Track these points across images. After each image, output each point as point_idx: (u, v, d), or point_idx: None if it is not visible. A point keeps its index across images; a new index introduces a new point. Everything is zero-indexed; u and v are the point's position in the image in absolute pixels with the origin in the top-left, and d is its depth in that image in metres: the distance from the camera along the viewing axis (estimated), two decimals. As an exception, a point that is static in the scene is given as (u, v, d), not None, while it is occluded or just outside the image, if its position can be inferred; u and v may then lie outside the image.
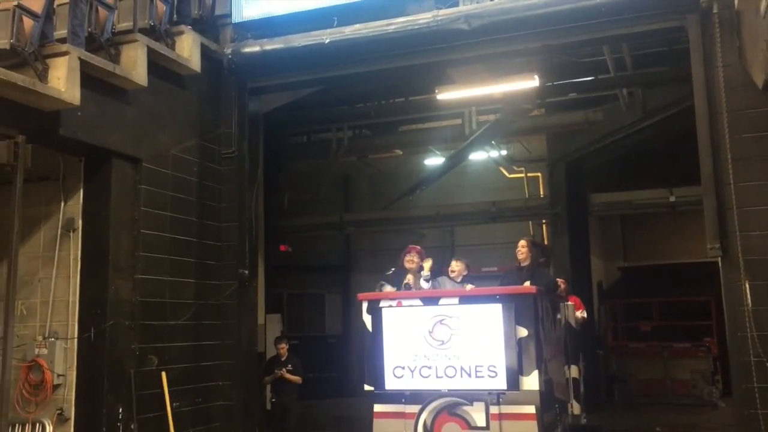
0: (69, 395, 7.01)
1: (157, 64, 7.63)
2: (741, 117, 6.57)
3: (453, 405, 6.53)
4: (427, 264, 7.52)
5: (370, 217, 17.30)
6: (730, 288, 6.61)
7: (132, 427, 7.10)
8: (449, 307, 6.82)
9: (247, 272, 8.49)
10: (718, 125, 6.71)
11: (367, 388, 6.92)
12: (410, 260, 7.54)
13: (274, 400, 9.34)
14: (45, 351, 7.02)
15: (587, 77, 11.61)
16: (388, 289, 7.39)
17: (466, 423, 6.48)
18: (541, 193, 15.92)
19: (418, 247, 7.75)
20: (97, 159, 7.24)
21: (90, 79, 6.69)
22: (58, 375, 6.99)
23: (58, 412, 6.95)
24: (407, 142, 15.44)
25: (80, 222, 7.24)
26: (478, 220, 15.83)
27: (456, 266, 7.71)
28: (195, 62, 8.10)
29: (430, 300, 6.95)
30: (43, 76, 6.27)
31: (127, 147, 7.34)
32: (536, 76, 9.28)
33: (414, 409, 6.64)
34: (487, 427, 6.42)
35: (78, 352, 7.05)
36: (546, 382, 6.61)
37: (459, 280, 7.60)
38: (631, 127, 12.54)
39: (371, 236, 18.92)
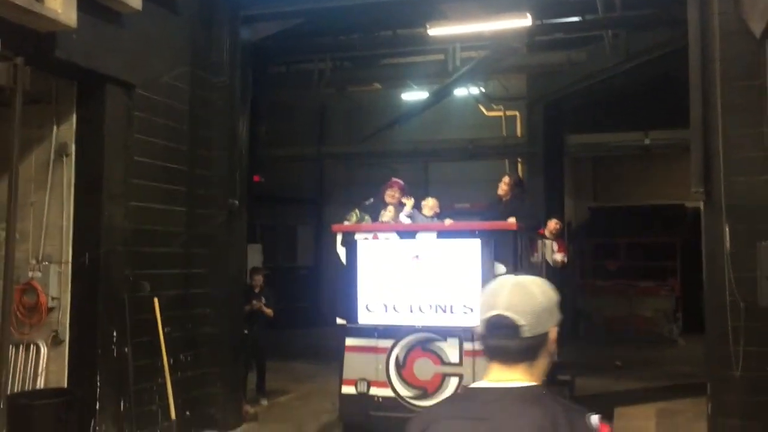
0: (63, 318, 7.06)
1: (150, -12, 7.45)
2: (733, 65, 6.72)
3: (426, 341, 6.53)
4: (410, 202, 7.49)
5: (347, 150, 17.34)
6: (710, 231, 6.88)
7: (126, 350, 7.21)
8: (427, 241, 6.76)
9: (237, 202, 8.53)
10: (710, 72, 6.84)
11: (339, 321, 6.86)
12: (391, 195, 7.48)
13: (246, 331, 9.38)
14: (39, 274, 7.04)
15: (575, 17, 11.62)
16: (367, 219, 7.30)
17: (439, 359, 6.48)
18: (519, 132, 16.08)
19: (401, 182, 7.68)
20: (91, 83, 7.11)
21: (85, 1, 6.52)
22: (53, 298, 7.02)
23: (53, 334, 7.02)
24: (388, 76, 15.38)
25: (73, 147, 7.15)
26: (456, 157, 15.99)
27: (429, 201, 7.69)
28: (188, -13, 7.93)
29: (408, 234, 6.87)
30: (39, -5, 6.09)
31: (121, 72, 7.21)
32: (529, 15, 9.29)
33: (387, 343, 6.61)
34: (460, 363, 6.42)
35: (72, 276, 7.07)
36: None
37: (430, 215, 7.55)
38: (613, 69, 12.68)
39: (345, 169, 18.99)
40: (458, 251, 6.61)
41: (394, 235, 6.87)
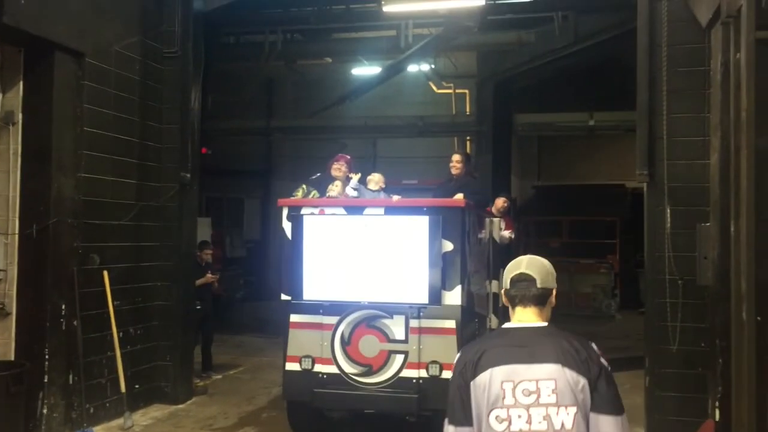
0: (10, 290, 6.93)
1: (100, -46, 7.28)
2: (679, 51, 6.94)
3: (372, 318, 6.41)
4: (356, 176, 7.37)
5: (296, 124, 17.23)
6: (652, 212, 7.15)
7: (75, 323, 7.13)
8: (374, 217, 6.59)
9: (188, 175, 8.46)
10: (656, 58, 7.07)
11: (283, 297, 6.68)
12: (338, 168, 7.33)
13: (198, 306, 9.36)
14: (-14, 245, 6.88)
15: (526, -2, 11.78)
16: (315, 194, 7.14)
17: (385, 336, 6.39)
18: (468, 110, 16.25)
19: (348, 156, 7.58)
20: (39, 51, 6.92)
21: (34, -35, 6.35)
22: (-1, 270, 6.89)
23: (0, 306, 6.90)
24: (339, 51, 15.27)
25: (20, 116, 6.97)
26: (405, 133, 16.07)
27: (374, 176, 7.52)
28: (140, -46, 7.75)
29: (355, 209, 6.68)
30: (-14, -42, 5.90)
31: (70, 40, 7.04)
32: (483, -5, 9.38)
33: (332, 320, 6.47)
34: (406, 340, 6.34)
35: (19, 248, 6.94)
36: (468, 297, 6.62)
37: (376, 189, 7.38)
38: (561, 51, 12.91)
39: (293, 143, 18.86)
40: (406, 228, 6.48)
41: (341, 210, 6.70)
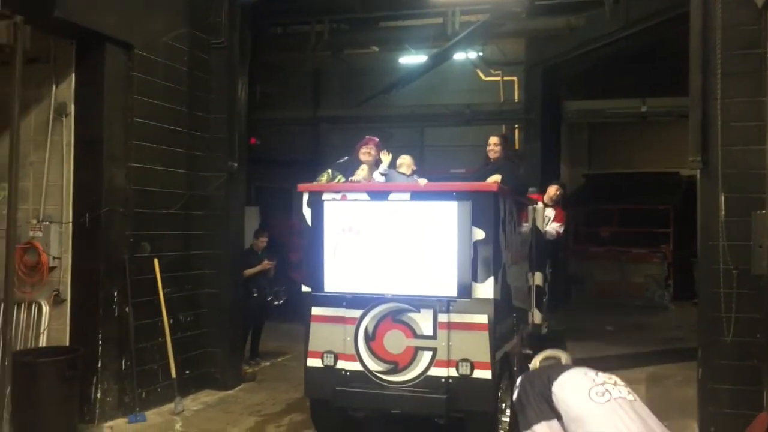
0: (65, 278, 7.13)
1: (150, -53, 7.39)
2: (734, 33, 6.70)
3: (398, 311, 5.98)
4: (387, 157, 6.82)
5: (343, 113, 17.28)
6: (706, 199, 6.94)
7: (126, 310, 7.30)
8: (399, 203, 6.11)
9: (236, 165, 8.56)
10: (710, 40, 6.84)
11: (304, 289, 6.30)
12: (366, 152, 6.92)
13: (255, 294, 9.52)
14: (40, 234, 7.08)
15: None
16: (340, 179, 6.67)
17: (411, 331, 5.95)
18: (516, 97, 16.05)
19: (376, 139, 7.11)
20: (90, 43, 7.08)
21: (85, -41, 6.48)
22: (54, 258, 7.08)
23: (54, 293, 7.09)
24: (386, 39, 15.21)
25: (72, 107, 7.14)
26: (452, 122, 15.97)
27: (405, 159, 7.05)
28: (188, -54, 7.84)
29: (379, 194, 6.20)
30: (38, -47, 6.04)
31: (120, 32, 7.18)
32: (531, -21, 9.21)
33: (355, 314, 6.07)
34: (434, 336, 5.89)
35: (73, 236, 7.12)
36: (503, 290, 6.17)
37: (408, 173, 6.93)
38: (612, 35, 12.66)
39: (341, 132, 18.89)
40: (433, 214, 5.97)
41: (364, 196, 6.22)
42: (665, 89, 13.76)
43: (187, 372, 8.12)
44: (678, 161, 15.21)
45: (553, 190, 8.84)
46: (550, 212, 8.65)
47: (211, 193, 8.49)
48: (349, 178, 6.61)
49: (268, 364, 10.01)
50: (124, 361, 7.30)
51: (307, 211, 6.32)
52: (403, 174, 6.94)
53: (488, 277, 5.87)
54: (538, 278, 7.68)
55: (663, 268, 16.28)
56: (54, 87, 7.18)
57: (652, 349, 11.18)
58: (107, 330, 7.13)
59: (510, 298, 6.57)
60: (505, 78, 16.14)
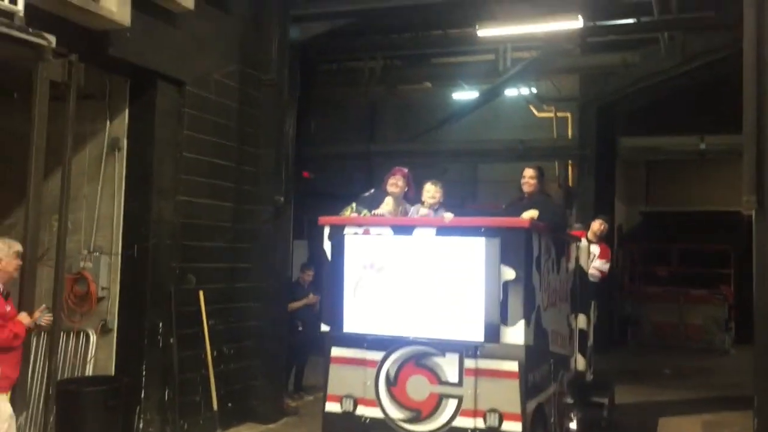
0: (112, 308, 7.28)
1: (202, -13, 7.63)
2: (790, 70, 6.53)
3: (422, 355, 5.59)
4: (434, 189, 6.33)
5: (396, 148, 17.34)
6: (762, 240, 6.70)
7: (171, 341, 7.39)
8: (424, 238, 5.75)
9: (282, 199, 8.66)
10: (765, 76, 6.66)
11: (323, 328, 5.98)
12: (393, 183, 6.48)
13: (300, 328, 9.51)
14: (90, 264, 7.26)
15: (630, 19, 11.41)
16: (365, 214, 6.27)
17: (436, 377, 5.55)
18: (570, 133, 15.88)
19: (405, 170, 6.70)
20: (143, 80, 7.31)
21: (139, 0, 6.71)
22: (102, 288, 7.25)
23: (102, 323, 7.24)
24: (438, 75, 15.37)
25: (125, 142, 7.36)
26: (505, 157, 15.86)
27: (431, 188, 6.39)
28: (240, -14, 8.08)
29: (403, 229, 5.87)
30: (95, -5, 6.29)
31: (172, 70, 7.40)
32: (580, 17, 9.16)
33: (376, 356, 5.70)
34: (460, 383, 5.48)
35: (122, 267, 7.29)
36: (537, 335, 5.73)
37: (436, 207, 6.37)
38: (668, 72, 12.46)
39: (394, 167, 19.00)
40: (461, 251, 5.60)
41: (387, 230, 5.89)
42: (724, 126, 13.37)
43: (230, 404, 8.15)
44: (738, 200, 14.73)
45: (596, 226, 8.45)
46: (595, 249, 8.27)
47: (258, 226, 8.59)
48: (373, 212, 6.26)
49: (311, 398, 9.96)
50: (167, 392, 7.37)
51: (327, 246, 6.03)
52: (428, 202, 6.40)
53: (519, 320, 5.42)
54: (581, 321, 7.28)
55: (723, 310, 15.67)
56: (108, 122, 7.42)
57: (710, 395, 10.73)
58: (151, 360, 7.23)
59: (546, 343, 6.15)
60: (559, 114, 16.00)
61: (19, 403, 5.38)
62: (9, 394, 5.14)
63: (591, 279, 7.92)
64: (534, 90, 16.15)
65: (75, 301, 7.23)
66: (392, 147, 17.61)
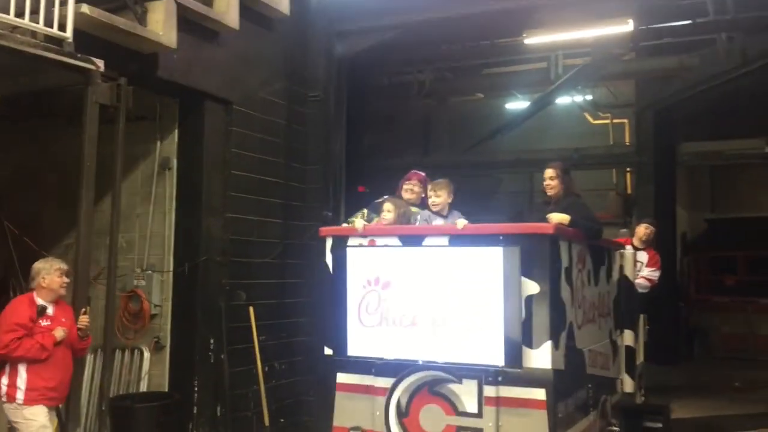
0: (165, 325, 7.42)
1: (248, 7, 7.74)
2: None
3: (435, 381, 4.96)
4: (434, 192, 5.65)
5: (449, 159, 17.23)
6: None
7: (222, 357, 7.48)
8: (436, 249, 5.10)
9: (330, 214, 8.68)
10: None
11: (326, 351, 5.40)
12: (409, 189, 5.99)
13: None
14: (143, 282, 7.43)
15: (685, 21, 11.08)
16: (378, 220, 5.62)
17: (452, 407, 4.91)
18: (627, 140, 15.52)
19: (422, 174, 6.22)
20: (191, 101, 7.46)
21: (185, 22, 6.86)
22: (155, 305, 7.40)
23: (155, 339, 7.38)
24: (489, 86, 15.26)
25: (175, 161, 7.53)
26: (560, 166, 15.57)
27: (435, 192, 5.65)
28: (284, 5, 8.17)
29: (412, 239, 5.22)
30: (142, 19, 6.46)
31: (219, 89, 7.53)
32: (631, 21, 8.94)
33: (386, 383, 5.08)
34: (479, 413, 4.82)
35: (173, 284, 7.42)
36: (569, 357, 5.02)
37: (445, 212, 5.62)
38: (728, 74, 12.00)
39: (449, 179, 18.89)
40: (477, 262, 4.90)
41: (395, 241, 5.25)
42: (791, 127, 12.89)
43: (282, 420, 8.18)
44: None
45: (642, 230, 7.88)
46: (643, 256, 7.66)
47: (307, 242, 8.62)
48: (374, 219, 5.62)
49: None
50: (219, 408, 7.44)
51: (329, 259, 5.45)
52: (440, 215, 5.64)
53: (545, 341, 4.74)
54: (628, 337, 6.61)
55: (796, 320, 14.97)
56: (159, 143, 7.60)
57: (782, 410, 10.23)
58: (203, 376, 7.32)
59: (581, 366, 5.45)
60: (615, 121, 15.65)
61: (72, 418, 5.52)
62: (46, 407, 5.18)
63: (639, 290, 7.36)
64: (589, 97, 15.85)
65: (129, 319, 7.40)
66: (445, 159, 17.52)
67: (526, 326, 4.75)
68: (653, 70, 13.22)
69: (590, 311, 5.68)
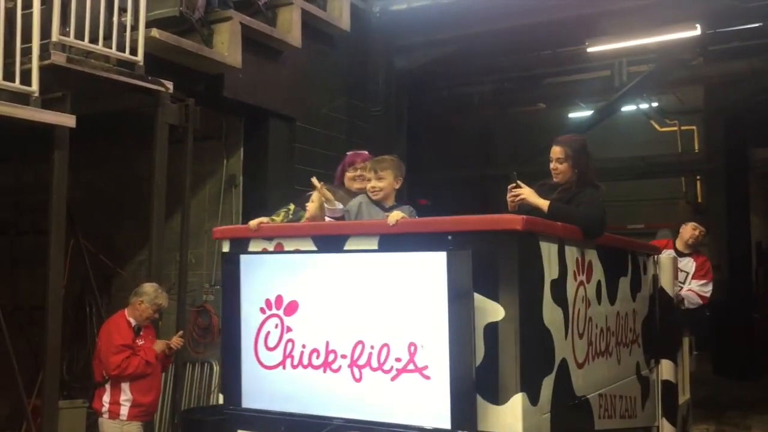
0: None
1: (309, 25, 7.87)
2: None
3: None
4: (386, 173, 3.98)
5: (510, 171, 17.10)
6: None
7: (289, 371, 7.54)
8: (362, 255, 3.53)
9: (394, 227, 8.68)
10: None
11: (221, 400, 3.90)
12: (352, 177, 4.39)
13: None
14: (212, 297, 7.57)
15: (754, 23, 10.73)
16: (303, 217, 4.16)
17: None
18: (696, 147, 15.09)
19: (365, 153, 4.60)
20: (256, 119, 7.61)
21: (249, 42, 7.02)
22: (223, 320, 7.52)
23: (220, 354, 7.51)
24: (551, 95, 15.06)
25: (241, 178, 7.68)
26: (626, 175, 15.26)
27: (377, 173, 3.96)
28: (345, 22, 8.27)
29: (330, 242, 3.67)
30: (208, 41, 6.64)
31: (282, 107, 7.67)
32: (698, 25, 8.71)
33: None
34: None
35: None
36: (560, 412, 3.48)
37: (389, 204, 3.97)
38: (800, 76, 11.55)
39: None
40: (412, 274, 3.32)
41: (308, 244, 3.72)
42: None
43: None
44: None
45: (688, 231, 6.30)
46: (688, 265, 6.23)
47: (370, 255, 8.66)
48: (289, 215, 4.28)
49: None
50: (286, 421, 7.50)
51: (225, 270, 3.99)
52: (381, 206, 3.95)
53: (514, 392, 3.15)
54: (666, 370, 5.07)
55: None
56: (225, 160, 7.77)
57: None
58: (270, 390, 7.39)
59: (587, 420, 3.91)
60: (683, 127, 15.25)
61: (145, 430, 5.66)
62: (141, 422, 5.40)
63: (688, 305, 6.05)
64: (655, 104, 15.48)
65: (198, 333, 7.55)
66: (506, 170, 17.38)
67: (486, 370, 3.18)
68: (722, 75, 12.81)
69: (601, 340, 4.16)
